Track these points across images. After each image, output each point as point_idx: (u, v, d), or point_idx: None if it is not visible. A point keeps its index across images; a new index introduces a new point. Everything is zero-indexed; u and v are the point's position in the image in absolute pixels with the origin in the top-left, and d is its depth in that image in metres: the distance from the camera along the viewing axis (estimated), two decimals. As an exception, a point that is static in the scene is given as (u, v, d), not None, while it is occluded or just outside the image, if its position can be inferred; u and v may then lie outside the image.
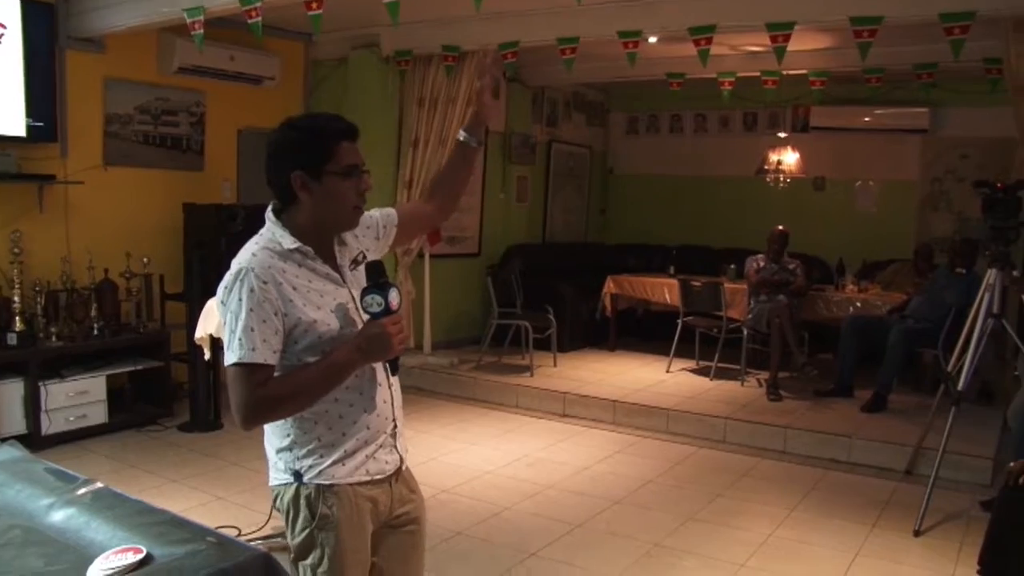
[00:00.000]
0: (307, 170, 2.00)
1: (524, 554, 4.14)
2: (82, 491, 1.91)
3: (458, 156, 2.42)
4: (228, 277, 1.98)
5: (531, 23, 6.32)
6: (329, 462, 2.06)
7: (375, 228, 2.28)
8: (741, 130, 10.07)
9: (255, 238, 2.06)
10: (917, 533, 4.46)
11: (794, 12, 5.35)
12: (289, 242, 2.01)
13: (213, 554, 1.63)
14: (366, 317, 2.01)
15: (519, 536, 4.37)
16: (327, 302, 2.03)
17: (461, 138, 2.38)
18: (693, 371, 7.92)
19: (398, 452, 2.19)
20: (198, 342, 4.71)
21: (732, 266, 8.20)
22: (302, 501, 2.06)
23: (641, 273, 8.91)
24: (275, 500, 2.16)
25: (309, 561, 2.08)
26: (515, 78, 9.08)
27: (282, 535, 4.01)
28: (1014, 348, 4.99)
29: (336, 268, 2.10)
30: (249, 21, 5.12)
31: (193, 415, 6.17)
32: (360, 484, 2.09)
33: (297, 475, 2.06)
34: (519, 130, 9.35)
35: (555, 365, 7.90)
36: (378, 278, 2.01)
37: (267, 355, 1.93)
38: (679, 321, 7.83)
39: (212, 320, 4.38)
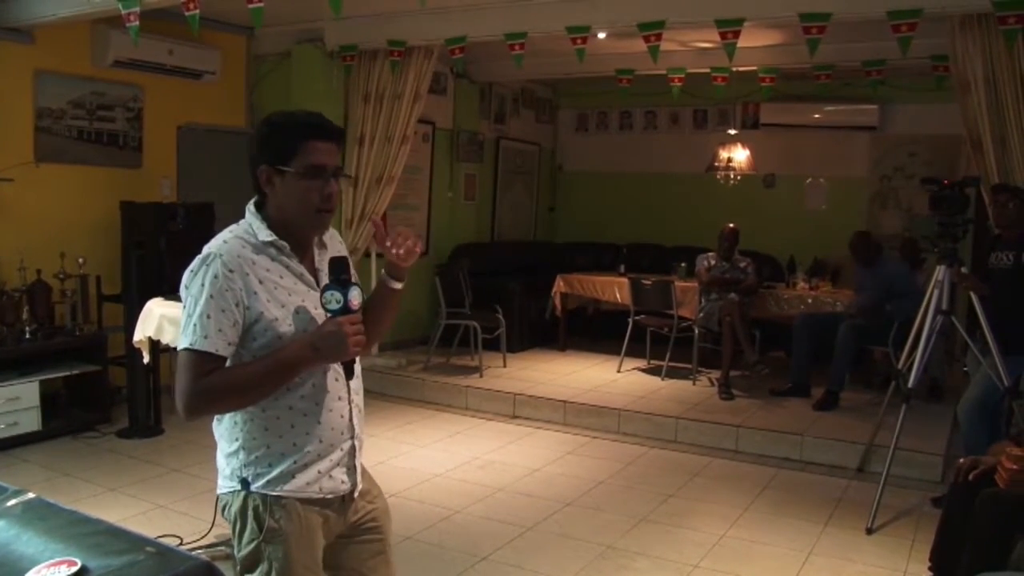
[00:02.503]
0: (272, 165, 1.98)
1: (475, 558, 4.08)
2: (12, 502, 1.82)
3: (380, 295, 2.20)
4: (195, 261, 1.95)
5: (479, 18, 6.26)
6: (277, 472, 2.00)
7: None
8: (691, 127, 10.08)
9: (230, 227, 2.04)
10: (869, 531, 4.48)
11: (743, 8, 5.40)
12: (264, 234, 1.99)
13: (152, 565, 1.56)
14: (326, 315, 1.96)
15: (470, 540, 4.31)
16: (293, 301, 1.99)
17: (383, 278, 2.18)
18: (644, 370, 7.89)
19: (355, 475, 2.12)
20: (137, 345, 4.59)
21: (683, 264, 8.20)
22: (249, 512, 2.01)
23: (591, 272, 8.88)
24: (223, 509, 2.10)
25: (256, 575, 2.02)
26: (463, 74, 9.02)
27: (226, 543, 3.94)
28: (963, 344, 5.03)
29: (313, 271, 2.07)
30: (186, 13, 5.00)
31: (132, 420, 6.00)
32: (311, 501, 2.04)
33: (244, 483, 2.01)
34: (467, 127, 9.25)
35: (505, 366, 7.83)
36: (340, 274, 1.95)
37: (219, 345, 1.90)
38: (630, 320, 7.80)
39: (151, 322, 4.25)
